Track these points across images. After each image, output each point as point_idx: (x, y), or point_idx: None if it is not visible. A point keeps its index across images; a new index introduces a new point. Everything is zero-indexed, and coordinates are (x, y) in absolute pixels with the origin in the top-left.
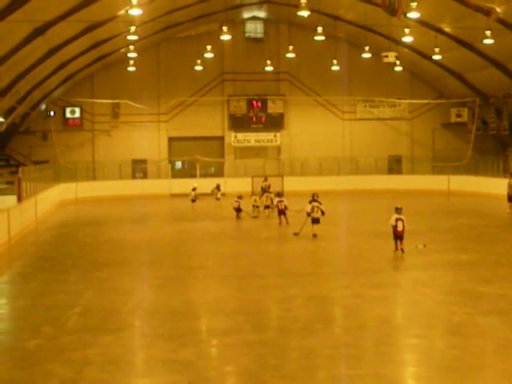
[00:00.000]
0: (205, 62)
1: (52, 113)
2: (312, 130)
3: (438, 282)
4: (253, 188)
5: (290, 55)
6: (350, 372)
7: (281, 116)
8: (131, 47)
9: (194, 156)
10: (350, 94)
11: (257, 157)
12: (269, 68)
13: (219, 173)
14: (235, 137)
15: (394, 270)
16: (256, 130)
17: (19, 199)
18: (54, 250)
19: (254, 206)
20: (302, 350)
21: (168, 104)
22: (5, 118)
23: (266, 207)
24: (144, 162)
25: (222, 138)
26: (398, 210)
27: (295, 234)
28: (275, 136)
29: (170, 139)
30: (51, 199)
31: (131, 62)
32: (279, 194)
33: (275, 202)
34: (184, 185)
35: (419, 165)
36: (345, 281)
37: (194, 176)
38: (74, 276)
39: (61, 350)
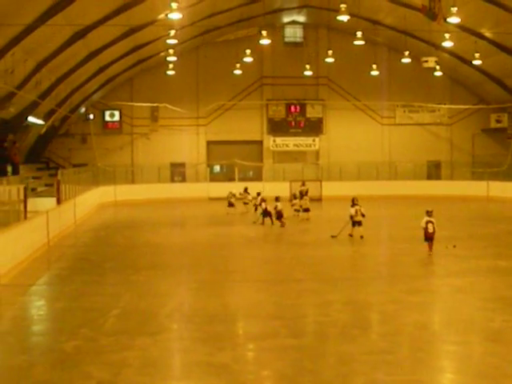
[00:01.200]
0: (244, 66)
1: (91, 116)
2: (351, 135)
3: (476, 288)
4: (291, 192)
5: (329, 60)
6: (386, 378)
7: (319, 121)
8: (171, 51)
9: (232, 160)
10: (389, 99)
11: (295, 161)
12: (308, 72)
13: (258, 177)
14: (274, 141)
15: (431, 275)
16: (295, 135)
17: (58, 202)
18: (93, 252)
19: (295, 210)
20: (339, 356)
21: (207, 108)
22: (45, 121)
23: (305, 210)
24: (182, 165)
25: (260, 142)
26: (428, 213)
27: (333, 236)
28: (314, 140)
29: (209, 143)
30: (90, 202)
31: (170, 65)
32: (277, 199)
33: (272, 206)
34: (222, 189)
35: (458, 170)
36: (382, 286)
37: (232, 180)
38: (112, 278)
39: (99, 352)
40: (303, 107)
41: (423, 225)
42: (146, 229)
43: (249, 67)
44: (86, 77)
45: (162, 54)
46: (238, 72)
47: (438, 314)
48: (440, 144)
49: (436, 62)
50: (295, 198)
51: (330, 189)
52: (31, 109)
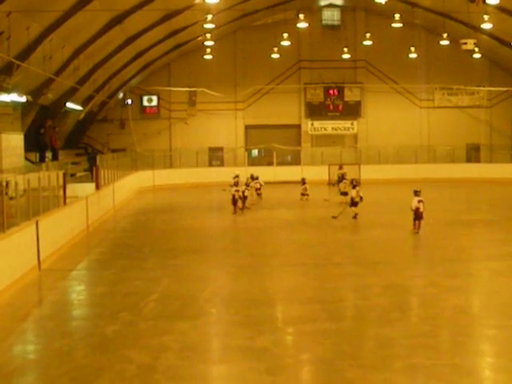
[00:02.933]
0: (281, 49)
1: (129, 101)
2: (389, 118)
3: None
4: (329, 176)
5: (367, 43)
6: (426, 362)
7: (358, 104)
8: (208, 35)
9: (270, 144)
10: (427, 81)
11: (334, 145)
12: (346, 56)
13: (296, 161)
14: (312, 125)
15: (470, 259)
16: (333, 118)
17: (97, 187)
18: (132, 237)
19: (341, 192)
20: (379, 339)
21: (244, 92)
22: (83, 107)
23: (343, 194)
24: (221, 149)
25: (298, 126)
26: (417, 193)
27: (333, 217)
28: (352, 124)
29: (247, 127)
30: (128, 187)
31: (208, 50)
32: (253, 177)
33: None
34: (261, 173)
35: (497, 153)
36: (421, 270)
37: (270, 164)
38: (151, 263)
39: (138, 337)
40: (341, 90)
41: (416, 204)
42: (185, 213)
43: (286, 51)
44: (123, 62)
45: (200, 38)
46: (275, 56)
47: (477, 297)
48: (479, 127)
49: (475, 44)
50: (340, 181)
51: (368, 172)
52: (69, 95)
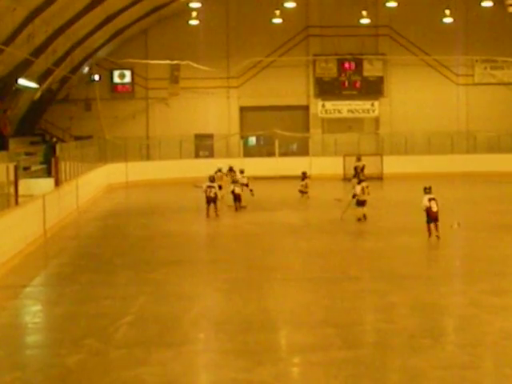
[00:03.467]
0: (285, 13)
1: (97, 77)
2: (419, 98)
3: None
4: (345, 170)
5: (392, 4)
6: None
7: (380, 80)
8: None
9: (271, 130)
10: (466, 52)
11: (350, 131)
12: (365, 20)
13: (303, 151)
14: (323, 106)
15: None
16: (349, 98)
17: (57, 183)
18: (100, 245)
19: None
20: (406, 372)
21: (239, 66)
22: (39, 84)
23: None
24: (210, 137)
25: (306, 108)
26: (426, 190)
27: (341, 218)
28: (372, 105)
29: (242, 109)
30: (96, 183)
31: (194, 13)
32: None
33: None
34: (260, 165)
35: None
36: (459, 285)
37: (272, 154)
38: (123, 277)
39: (108, 369)
40: (359, 64)
41: (426, 203)
42: (165, 216)
43: (291, 15)
44: (89, 28)
45: None
46: (277, 21)
47: None
48: None
49: None
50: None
51: (393, 165)
52: (22, 69)
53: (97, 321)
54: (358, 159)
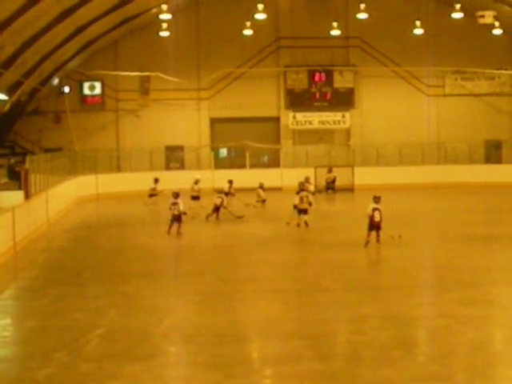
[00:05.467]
0: (256, 24)
1: (67, 89)
2: (389, 109)
3: None
4: (316, 181)
5: (362, 16)
6: None
7: (350, 91)
8: (164, 7)
9: (242, 142)
10: (436, 63)
11: (321, 142)
12: (335, 32)
13: (274, 162)
14: (294, 117)
15: (491, 283)
16: (320, 109)
17: (27, 196)
18: (70, 258)
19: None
20: (377, 383)
21: (210, 77)
22: (8, 96)
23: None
24: (180, 149)
25: (277, 120)
26: (375, 199)
27: (287, 223)
28: (343, 116)
29: (213, 121)
30: (66, 195)
31: (164, 25)
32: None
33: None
34: (230, 177)
35: None
36: (429, 297)
37: (242, 166)
38: (94, 290)
39: (78, 382)
40: (330, 75)
41: (369, 212)
42: (136, 228)
43: (262, 26)
44: (59, 40)
45: (154, 10)
46: (248, 32)
47: (499, 330)
48: (501, 119)
49: (495, 17)
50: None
51: (364, 176)
52: None
53: (67, 334)
54: (330, 171)
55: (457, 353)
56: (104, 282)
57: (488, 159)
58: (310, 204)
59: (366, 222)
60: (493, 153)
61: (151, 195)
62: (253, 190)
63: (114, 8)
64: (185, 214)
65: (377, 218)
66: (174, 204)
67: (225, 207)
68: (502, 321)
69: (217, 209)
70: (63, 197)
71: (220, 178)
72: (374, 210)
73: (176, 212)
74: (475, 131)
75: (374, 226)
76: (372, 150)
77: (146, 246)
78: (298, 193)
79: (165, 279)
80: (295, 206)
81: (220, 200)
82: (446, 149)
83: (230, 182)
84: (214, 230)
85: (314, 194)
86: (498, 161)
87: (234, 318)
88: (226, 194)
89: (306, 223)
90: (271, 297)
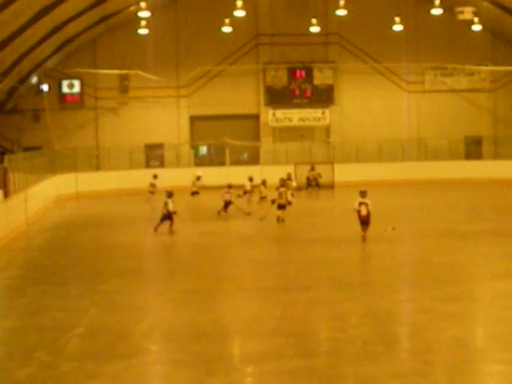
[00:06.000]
0: (235, 21)
1: (45, 87)
2: (369, 106)
3: None
4: (296, 178)
5: (341, 12)
6: None
7: (330, 88)
8: (143, 4)
9: (222, 139)
10: (416, 59)
11: (301, 139)
12: (314, 29)
13: (254, 159)
14: (273, 115)
15: (472, 279)
16: (299, 106)
17: (5, 194)
18: (49, 257)
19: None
20: (360, 380)
21: (189, 75)
22: None
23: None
24: (160, 147)
25: (257, 117)
26: (362, 194)
27: (261, 219)
28: (323, 113)
29: (192, 118)
30: (45, 194)
31: (143, 22)
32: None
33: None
34: (210, 174)
35: (504, 148)
36: (410, 293)
37: (222, 164)
38: (74, 289)
39: (58, 381)
40: (309, 72)
41: (356, 206)
42: (116, 227)
43: (241, 23)
44: (37, 38)
45: (132, 8)
46: (227, 29)
47: (480, 326)
48: (481, 115)
49: (474, 13)
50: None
51: (344, 173)
52: None
53: (47, 333)
54: (312, 168)
55: (438, 349)
56: (84, 280)
57: (468, 155)
58: (289, 202)
59: (355, 216)
60: (473, 149)
61: (151, 192)
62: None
63: (93, 6)
64: (174, 213)
65: (363, 212)
66: (166, 204)
67: (232, 202)
68: (482, 317)
69: (227, 204)
70: (42, 196)
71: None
72: (361, 204)
73: (165, 211)
74: (455, 127)
75: (362, 220)
76: (352, 147)
77: (126, 244)
78: (277, 188)
79: (145, 278)
80: (273, 201)
81: (229, 195)
82: (426, 145)
83: (251, 179)
84: (194, 228)
85: (298, 190)
86: (478, 157)
87: (215, 315)
88: (245, 192)
89: (280, 218)
90: (252, 295)
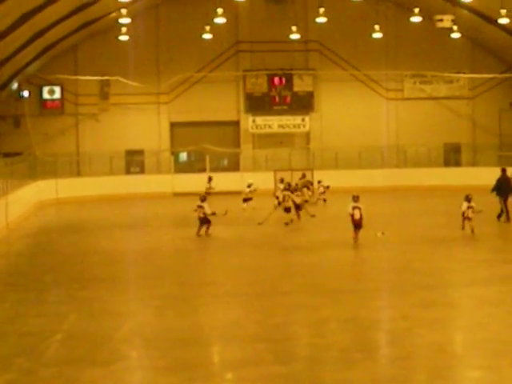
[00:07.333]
0: (215, 28)
1: (26, 93)
2: (349, 113)
3: (507, 299)
4: (275, 185)
5: (321, 20)
6: None
7: (310, 95)
8: (123, 11)
9: (202, 146)
10: (395, 67)
11: (280, 146)
12: (295, 36)
13: (234, 166)
14: (253, 121)
15: (451, 285)
16: (279, 113)
17: None
18: (30, 262)
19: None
20: None
21: (170, 81)
22: None
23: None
24: (140, 153)
25: (237, 123)
26: (354, 198)
27: (259, 223)
28: (303, 120)
29: (173, 125)
30: (26, 200)
31: (124, 29)
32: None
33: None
34: (190, 181)
35: (482, 155)
36: (389, 299)
37: (202, 170)
38: (54, 295)
39: None
40: (289, 79)
41: (349, 211)
42: (96, 233)
43: (221, 30)
44: (18, 44)
45: (113, 14)
46: (207, 36)
47: (459, 332)
48: (460, 122)
49: (453, 21)
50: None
51: (323, 179)
52: None
53: (27, 339)
54: (303, 176)
55: (417, 355)
56: (64, 286)
57: (447, 162)
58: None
59: (349, 220)
60: (452, 156)
61: (207, 193)
62: (215, 193)
63: (74, 12)
64: (214, 214)
65: (356, 215)
66: (200, 207)
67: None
68: (461, 323)
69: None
70: (23, 201)
71: (180, 182)
72: (354, 208)
73: (202, 215)
74: (434, 134)
75: (354, 224)
76: (331, 154)
77: (106, 250)
78: (282, 191)
79: (125, 283)
80: (279, 203)
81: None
82: (405, 152)
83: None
84: (174, 233)
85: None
86: (457, 164)
87: (194, 321)
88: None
89: (289, 221)
90: (232, 300)
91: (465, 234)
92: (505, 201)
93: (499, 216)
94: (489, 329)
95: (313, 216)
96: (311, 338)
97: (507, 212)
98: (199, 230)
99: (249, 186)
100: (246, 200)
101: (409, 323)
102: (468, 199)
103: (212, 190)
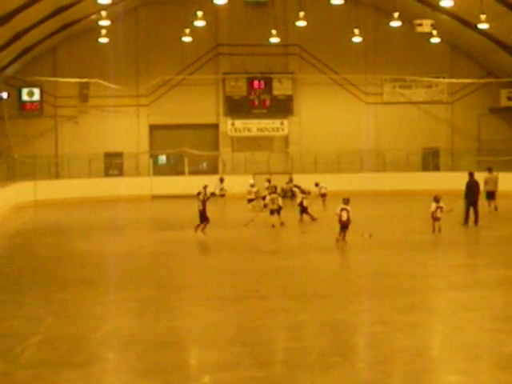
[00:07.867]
0: (195, 31)
1: (5, 95)
2: (328, 117)
3: (485, 304)
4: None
5: (301, 23)
6: None
7: (289, 99)
8: (103, 13)
9: (181, 148)
10: (375, 71)
11: (259, 149)
12: (274, 39)
13: (213, 169)
14: (232, 125)
15: (429, 289)
16: (258, 117)
17: None
18: (6, 264)
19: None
20: None
21: (149, 84)
22: None
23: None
24: (119, 155)
25: (216, 127)
26: (344, 201)
27: (245, 225)
28: (282, 124)
29: (152, 127)
30: (4, 202)
31: (103, 31)
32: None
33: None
34: (169, 184)
35: (461, 159)
36: (368, 303)
37: (181, 173)
38: (31, 297)
39: None
40: (269, 82)
41: (337, 212)
42: (74, 235)
43: (201, 33)
44: None
45: (93, 16)
46: (187, 39)
47: (436, 336)
48: (438, 127)
49: (432, 25)
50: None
51: (302, 183)
52: None
53: (3, 341)
54: (290, 180)
55: (394, 359)
56: (41, 289)
57: (426, 167)
58: (280, 207)
59: (337, 220)
60: (430, 160)
61: (222, 195)
62: (191, 196)
63: (53, 14)
64: (214, 195)
65: (344, 217)
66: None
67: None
68: (439, 327)
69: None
70: (1, 203)
71: (159, 185)
72: (342, 210)
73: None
74: (413, 139)
75: (341, 225)
76: (310, 158)
77: (84, 252)
78: (270, 194)
79: (103, 286)
80: (265, 205)
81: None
82: (384, 156)
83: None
84: (153, 236)
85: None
86: (436, 168)
87: (171, 324)
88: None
89: (275, 224)
90: (209, 304)
91: (442, 238)
92: (474, 204)
93: (466, 221)
94: (466, 333)
95: (314, 220)
96: (289, 341)
97: (477, 215)
98: (198, 226)
99: (252, 186)
100: (250, 201)
101: (387, 327)
102: (437, 200)
103: (225, 192)
